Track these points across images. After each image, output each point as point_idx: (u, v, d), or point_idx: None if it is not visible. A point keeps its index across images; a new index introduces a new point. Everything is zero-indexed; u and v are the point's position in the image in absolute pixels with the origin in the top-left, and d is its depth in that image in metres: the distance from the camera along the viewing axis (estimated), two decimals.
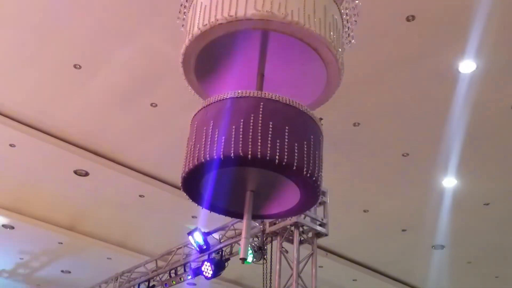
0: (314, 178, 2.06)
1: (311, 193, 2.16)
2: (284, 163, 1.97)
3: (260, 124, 2.00)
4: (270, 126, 2.00)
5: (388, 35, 5.93)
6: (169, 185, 8.89)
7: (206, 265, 7.03)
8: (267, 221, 6.66)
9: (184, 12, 2.37)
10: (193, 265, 7.68)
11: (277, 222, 6.58)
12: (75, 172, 8.54)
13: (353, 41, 2.38)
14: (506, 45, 5.93)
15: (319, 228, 6.52)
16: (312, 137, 2.11)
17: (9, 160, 8.31)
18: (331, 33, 2.18)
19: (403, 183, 8.56)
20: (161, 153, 8.18)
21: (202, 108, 2.17)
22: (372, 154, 7.93)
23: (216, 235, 7.43)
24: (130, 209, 9.53)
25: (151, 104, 7.22)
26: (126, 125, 7.69)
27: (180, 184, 2.16)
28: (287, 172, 2.04)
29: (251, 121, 2.00)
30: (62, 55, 6.51)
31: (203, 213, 9.11)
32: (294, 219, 6.32)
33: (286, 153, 1.98)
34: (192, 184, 2.17)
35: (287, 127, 2.03)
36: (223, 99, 2.09)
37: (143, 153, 8.27)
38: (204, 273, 7.03)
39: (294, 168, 2.00)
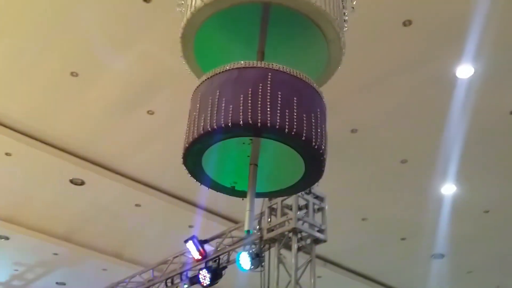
0: (321, 151, 2.02)
1: (317, 167, 2.11)
2: (293, 133, 1.93)
3: (269, 94, 1.96)
4: (279, 96, 1.96)
5: (384, 40, 5.92)
6: (165, 194, 8.81)
7: (202, 273, 6.93)
8: (264, 228, 6.58)
9: None
10: (190, 273, 7.57)
11: (274, 228, 6.50)
12: (71, 181, 8.47)
13: (346, 28, 2.37)
14: (504, 49, 5.91)
15: (317, 234, 6.44)
16: (318, 110, 2.08)
17: (4, 169, 8.24)
18: (336, 11, 2.17)
19: (402, 190, 8.50)
20: (158, 161, 8.11)
21: (206, 79, 2.09)
22: (370, 160, 7.87)
23: (213, 243, 7.34)
24: (126, 218, 9.44)
25: (148, 112, 7.17)
26: (122, 133, 7.63)
27: (182, 157, 2.08)
28: (295, 142, 1.99)
29: (260, 90, 1.96)
30: (58, 62, 6.47)
31: (199, 221, 9.08)
32: (292, 225, 6.24)
33: (295, 123, 1.94)
34: (193, 159, 2.09)
35: (295, 98, 1.99)
36: (230, 69, 2.04)
37: (140, 161, 8.20)
38: (201, 281, 6.92)
39: (304, 138, 1.96)
